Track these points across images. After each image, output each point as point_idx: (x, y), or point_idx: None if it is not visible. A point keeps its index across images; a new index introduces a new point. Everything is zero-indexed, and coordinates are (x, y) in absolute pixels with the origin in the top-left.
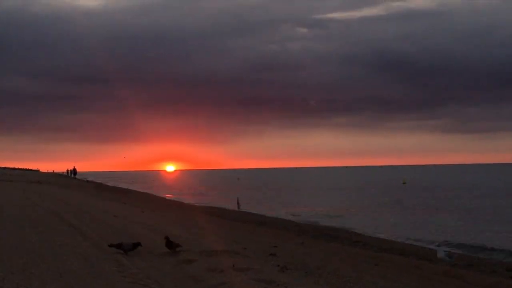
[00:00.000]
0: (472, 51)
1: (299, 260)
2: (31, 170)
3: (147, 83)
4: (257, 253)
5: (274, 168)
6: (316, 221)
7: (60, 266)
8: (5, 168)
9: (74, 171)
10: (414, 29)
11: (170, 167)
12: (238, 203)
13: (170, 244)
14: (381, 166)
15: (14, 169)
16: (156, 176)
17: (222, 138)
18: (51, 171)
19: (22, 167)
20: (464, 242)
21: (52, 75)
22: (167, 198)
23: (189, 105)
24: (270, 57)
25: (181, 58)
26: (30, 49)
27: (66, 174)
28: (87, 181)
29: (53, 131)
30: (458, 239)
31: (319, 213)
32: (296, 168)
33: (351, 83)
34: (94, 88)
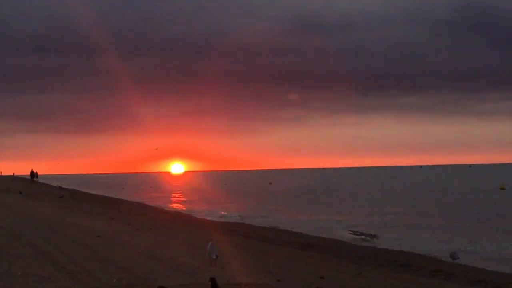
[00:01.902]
0: None
1: None
2: None
3: (143, 51)
4: (296, 287)
5: (320, 169)
6: (379, 242)
7: None
8: None
9: (35, 174)
10: None
11: (176, 168)
12: (211, 254)
13: None
14: (470, 165)
15: None
16: (157, 179)
17: (244, 128)
18: (11, 174)
19: None
20: None
21: (10, 43)
22: (171, 210)
23: (198, 81)
24: (311, 16)
25: (188, 17)
26: None
27: (30, 177)
28: (60, 187)
29: (9, 118)
30: None
31: (383, 231)
32: (350, 168)
33: (422, 51)
34: (68, 59)
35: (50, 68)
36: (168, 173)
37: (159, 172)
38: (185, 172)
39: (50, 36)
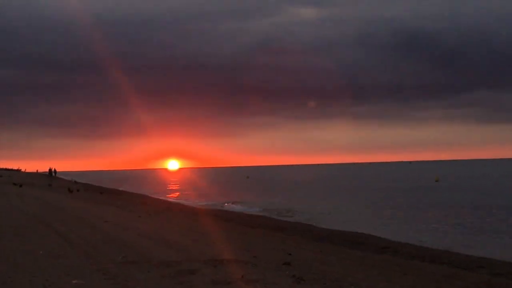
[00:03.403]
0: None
1: (317, 270)
2: (11, 169)
3: (143, 70)
4: (269, 262)
5: (287, 165)
6: (337, 225)
7: (44, 279)
8: None
9: (53, 171)
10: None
11: (172, 165)
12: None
13: None
14: (410, 162)
15: None
16: (155, 175)
17: (227, 132)
18: (35, 171)
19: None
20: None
21: (32, 62)
22: (167, 200)
23: (190, 95)
24: (277, 40)
25: (177, 42)
26: (4, 33)
27: (49, 174)
28: (75, 182)
29: (33, 125)
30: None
31: (339, 216)
32: (312, 165)
33: (368, 68)
34: (81, 76)
35: (66, 82)
36: (166, 169)
37: (158, 168)
38: (180, 169)
39: (67, 54)
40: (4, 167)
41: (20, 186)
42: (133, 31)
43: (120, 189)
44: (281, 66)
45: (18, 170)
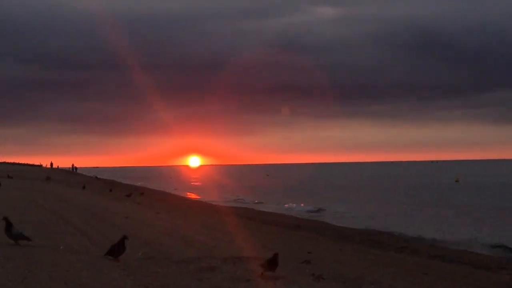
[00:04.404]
0: None
1: (337, 268)
2: (33, 165)
3: (166, 69)
4: (288, 260)
5: (306, 164)
6: (357, 224)
7: (64, 274)
8: (4, 163)
9: (75, 168)
10: (459, 5)
11: (194, 162)
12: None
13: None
14: (432, 162)
15: (14, 164)
16: (177, 171)
17: (246, 130)
18: (56, 167)
19: (22, 162)
20: None
21: (55, 60)
22: (187, 197)
23: (211, 93)
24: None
25: (196, 40)
26: (27, 32)
27: (71, 170)
28: (96, 178)
29: (56, 121)
30: None
31: (360, 215)
32: (333, 163)
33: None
34: (103, 74)
35: (87, 81)
36: (187, 166)
37: (179, 165)
38: (201, 166)
39: (89, 52)
40: (25, 163)
41: (49, 178)
42: (154, 29)
43: (140, 184)
44: (300, 65)
45: (40, 166)
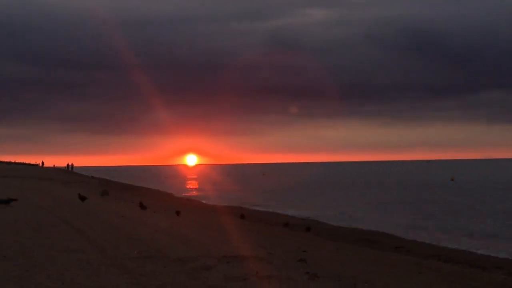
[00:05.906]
0: None
1: (332, 267)
2: (30, 164)
3: (160, 69)
4: (284, 259)
5: (304, 163)
6: (352, 223)
7: (61, 274)
8: (2, 162)
9: (71, 166)
10: (454, 5)
11: (191, 160)
12: None
13: None
14: (427, 161)
15: (10, 163)
16: (173, 171)
17: (241, 130)
18: (52, 166)
19: (19, 161)
20: None
21: (53, 60)
22: (183, 196)
23: (207, 93)
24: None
25: (194, 41)
26: (27, 32)
27: (66, 168)
28: (92, 177)
29: (52, 121)
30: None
31: (355, 215)
32: (326, 162)
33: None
34: (100, 74)
35: (87, 81)
36: (184, 165)
37: (176, 164)
38: (197, 165)
39: (88, 52)
40: (23, 162)
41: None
42: (153, 31)
43: (136, 184)
44: (294, 66)
45: (37, 165)
